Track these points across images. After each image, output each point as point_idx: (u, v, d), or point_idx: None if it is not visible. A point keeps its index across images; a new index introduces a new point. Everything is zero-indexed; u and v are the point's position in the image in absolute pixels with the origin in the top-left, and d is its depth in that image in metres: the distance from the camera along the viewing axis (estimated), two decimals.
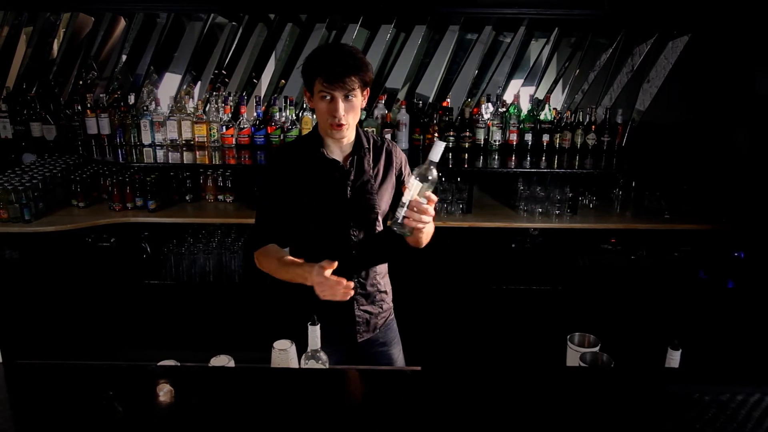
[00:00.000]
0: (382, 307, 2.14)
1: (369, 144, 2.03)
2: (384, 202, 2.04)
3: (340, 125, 1.84)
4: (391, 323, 2.22)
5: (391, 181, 2.06)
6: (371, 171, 2.00)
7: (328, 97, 1.81)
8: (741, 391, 1.35)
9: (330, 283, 1.74)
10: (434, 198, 1.77)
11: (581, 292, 3.52)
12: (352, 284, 1.77)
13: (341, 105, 1.80)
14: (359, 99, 1.85)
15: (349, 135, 1.95)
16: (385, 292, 2.15)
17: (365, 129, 3.60)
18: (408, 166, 2.14)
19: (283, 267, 1.91)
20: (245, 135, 3.67)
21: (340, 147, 1.97)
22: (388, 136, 3.64)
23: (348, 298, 1.78)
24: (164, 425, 1.29)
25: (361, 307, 2.07)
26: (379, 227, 2.04)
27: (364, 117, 3.77)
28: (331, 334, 1.87)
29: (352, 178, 1.96)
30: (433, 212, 1.77)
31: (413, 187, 1.74)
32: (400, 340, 2.27)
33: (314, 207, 1.96)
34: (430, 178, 1.73)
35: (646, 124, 3.96)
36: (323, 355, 1.68)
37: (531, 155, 3.74)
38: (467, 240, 3.56)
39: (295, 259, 1.90)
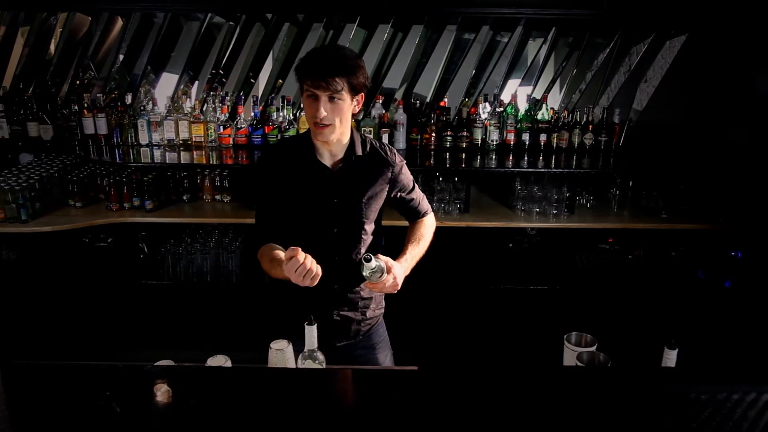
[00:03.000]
0: (365, 314, 2.10)
1: (365, 150, 1.99)
2: (372, 211, 2.02)
3: (323, 126, 1.81)
4: (376, 329, 2.17)
5: (383, 189, 2.04)
6: (362, 178, 1.98)
7: (313, 97, 1.79)
8: (737, 391, 1.35)
9: (294, 265, 1.67)
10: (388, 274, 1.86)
11: (578, 291, 3.53)
12: (317, 272, 1.70)
13: (323, 105, 1.78)
14: (347, 103, 1.82)
15: (341, 138, 1.92)
16: (370, 299, 2.10)
17: (363, 129, 3.65)
18: (405, 175, 2.10)
19: (273, 267, 1.85)
20: (242, 135, 3.67)
21: (330, 151, 1.94)
22: (385, 137, 3.66)
23: (314, 281, 1.71)
24: (162, 425, 1.29)
25: (340, 312, 2.04)
26: (365, 236, 2.02)
27: (361, 117, 3.77)
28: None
29: (339, 184, 1.94)
30: (390, 281, 1.85)
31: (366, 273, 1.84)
32: (390, 345, 2.23)
33: (299, 210, 1.94)
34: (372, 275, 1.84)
35: (644, 124, 3.97)
36: (320, 355, 1.69)
37: (528, 155, 3.74)
38: (465, 240, 3.56)
39: (281, 256, 1.80)
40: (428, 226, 2.18)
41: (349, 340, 2.10)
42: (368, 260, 1.76)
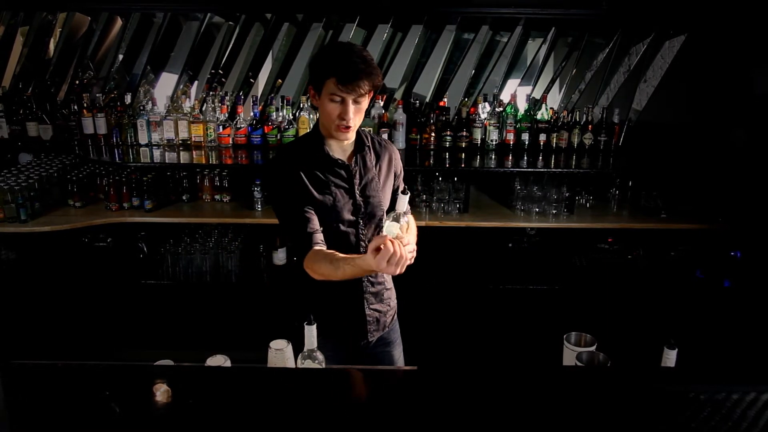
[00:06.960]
0: (389, 305, 2.17)
1: (369, 142, 2.05)
2: (387, 199, 2.07)
3: (348, 128, 1.87)
4: (395, 323, 2.25)
5: (391, 178, 2.09)
6: (374, 169, 2.03)
7: (339, 100, 1.82)
8: (737, 390, 1.35)
9: (386, 255, 1.61)
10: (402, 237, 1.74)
11: (578, 291, 3.53)
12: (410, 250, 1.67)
13: (351, 108, 1.82)
14: (366, 102, 1.89)
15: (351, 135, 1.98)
16: (391, 289, 2.18)
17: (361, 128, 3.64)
18: (400, 164, 2.16)
19: (338, 267, 1.78)
20: (242, 135, 3.67)
21: (341, 146, 1.99)
22: (384, 136, 3.66)
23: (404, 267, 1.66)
24: (161, 425, 1.28)
25: (371, 306, 2.10)
26: None
27: None
28: (343, 332, 1.87)
29: (358, 176, 1.98)
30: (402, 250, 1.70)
31: (388, 229, 1.73)
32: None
33: (322, 206, 1.94)
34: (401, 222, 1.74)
35: (643, 124, 3.97)
36: (320, 355, 1.69)
37: (528, 155, 3.74)
38: (464, 239, 3.56)
39: (346, 256, 1.78)
40: (412, 219, 2.15)
41: (380, 332, 2.16)
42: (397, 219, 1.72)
